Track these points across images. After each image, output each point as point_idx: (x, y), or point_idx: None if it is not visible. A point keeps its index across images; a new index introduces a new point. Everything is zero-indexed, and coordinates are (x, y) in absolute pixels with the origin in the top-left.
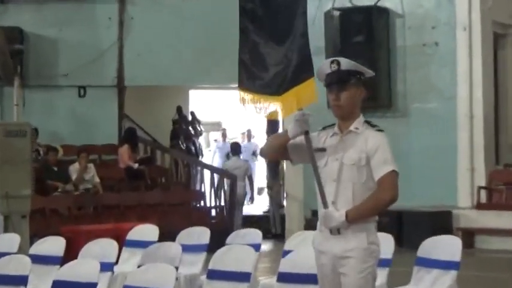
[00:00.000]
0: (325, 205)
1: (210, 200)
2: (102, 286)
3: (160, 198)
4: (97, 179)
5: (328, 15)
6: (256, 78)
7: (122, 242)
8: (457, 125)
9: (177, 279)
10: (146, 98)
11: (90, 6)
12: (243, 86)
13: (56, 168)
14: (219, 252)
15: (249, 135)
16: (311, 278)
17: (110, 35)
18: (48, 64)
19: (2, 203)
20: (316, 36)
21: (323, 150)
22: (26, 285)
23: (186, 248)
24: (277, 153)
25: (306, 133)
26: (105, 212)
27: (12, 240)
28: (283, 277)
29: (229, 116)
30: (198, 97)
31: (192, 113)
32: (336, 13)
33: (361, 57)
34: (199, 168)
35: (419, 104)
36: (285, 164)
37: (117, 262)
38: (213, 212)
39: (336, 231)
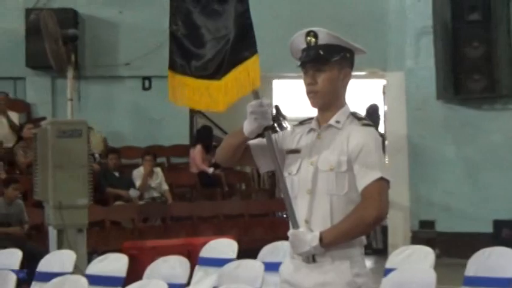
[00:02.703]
0: (294, 225)
1: None
2: None
3: (240, 208)
4: (165, 186)
5: None
6: (192, 57)
7: (195, 260)
8: None
9: None
10: None
11: None
12: (176, 67)
13: (117, 174)
14: None
15: None
16: None
17: None
18: (107, 52)
19: (56, 214)
20: (423, 14)
21: (297, 151)
22: None
23: (270, 267)
24: (234, 157)
25: (266, 129)
26: (174, 225)
27: (66, 257)
28: None
29: None
30: (283, 88)
31: (277, 107)
32: None
33: (476, 38)
34: None
35: None
36: (387, 163)
37: (188, 283)
38: None
39: (310, 258)
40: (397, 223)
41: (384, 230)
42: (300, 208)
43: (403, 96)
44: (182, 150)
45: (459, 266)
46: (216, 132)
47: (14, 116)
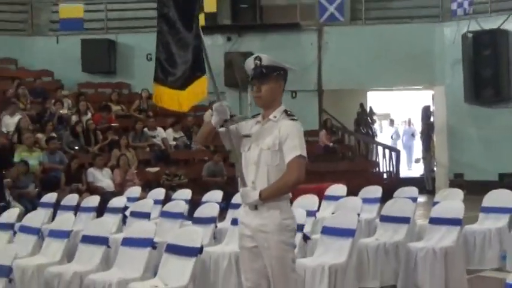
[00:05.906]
0: (244, 184)
1: (382, 167)
2: (308, 226)
3: (348, 167)
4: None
5: (464, 36)
6: (168, 74)
7: (322, 197)
8: None
9: (359, 221)
10: (338, 97)
11: (297, 35)
12: (158, 80)
13: None
14: (388, 203)
15: (409, 122)
16: (455, 222)
17: (312, 54)
18: None
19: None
20: (456, 51)
21: (249, 136)
22: None
23: (365, 201)
24: (207, 139)
25: (225, 121)
26: (310, 176)
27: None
28: (433, 220)
29: (395, 109)
30: (374, 96)
31: (370, 108)
32: (470, 35)
33: (488, 66)
34: (374, 145)
35: None
36: (435, 140)
37: (318, 210)
38: (385, 176)
39: (253, 207)
40: (441, 174)
41: (433, 179)
42: (249, 174)
43: (444, 100)
44: (314, 133)
45: (478, 200)
46: (333, 122)
47: None
